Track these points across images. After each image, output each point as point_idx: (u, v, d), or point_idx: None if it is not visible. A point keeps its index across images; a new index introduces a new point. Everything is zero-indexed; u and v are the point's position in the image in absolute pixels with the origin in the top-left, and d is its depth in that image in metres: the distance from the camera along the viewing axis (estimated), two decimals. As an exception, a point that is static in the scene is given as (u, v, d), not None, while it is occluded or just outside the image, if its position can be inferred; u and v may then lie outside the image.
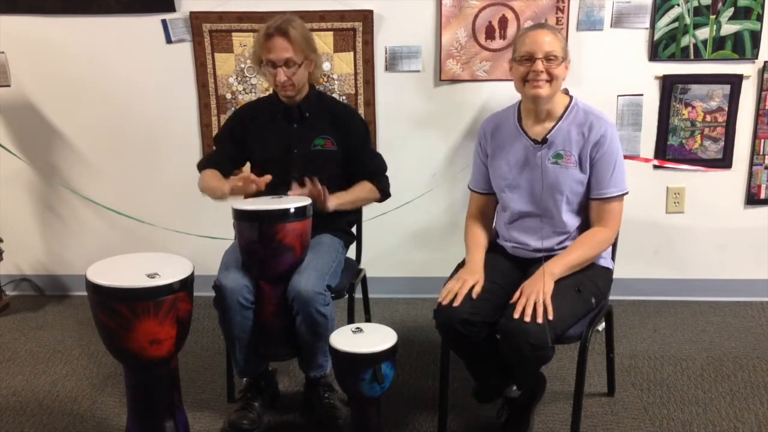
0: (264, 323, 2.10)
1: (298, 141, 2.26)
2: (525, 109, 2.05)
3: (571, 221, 2.03)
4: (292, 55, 2.12)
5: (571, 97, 2.04)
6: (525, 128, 2.04)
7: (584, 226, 2.04)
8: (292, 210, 1.99)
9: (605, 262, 2.09)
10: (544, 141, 1.99)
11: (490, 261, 2.06)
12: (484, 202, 2.18)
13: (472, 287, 1.92)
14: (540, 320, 1.77)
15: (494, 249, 2.14)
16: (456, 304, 1.88)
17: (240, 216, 2.02)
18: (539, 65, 1.90)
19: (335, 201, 2.20)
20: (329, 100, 2.37)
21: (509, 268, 2.07)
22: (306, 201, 2.05)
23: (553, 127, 2.00)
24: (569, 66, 1.98)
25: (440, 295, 1.93)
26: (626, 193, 2.00)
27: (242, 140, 2.30)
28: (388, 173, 3.12)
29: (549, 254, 1.99)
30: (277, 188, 2.20)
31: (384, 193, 2.36)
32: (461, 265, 2.10)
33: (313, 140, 2.25)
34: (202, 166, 2.32)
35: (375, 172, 2.33)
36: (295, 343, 2.12)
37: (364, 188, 2.30)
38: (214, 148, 2.38)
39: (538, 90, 1.92)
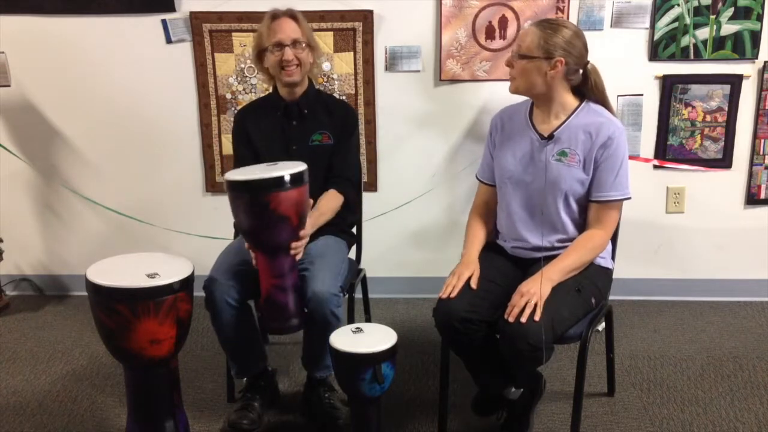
0: (269, 299, 2.02)
1: (297, 137, 2.27)
2: (536, 105, 2.07)
3: (569, 220, 2.03)
4: (300, 35, 2.16)
5: (582, 99, 2.03)
6: (534, 123, 2.05)
7: (582, 226, 2.04)
8: (286, 177, 1.87)
9: (605, 262, 2.09)
10: (551, 137, 1.99)
11: (489, 260, 2.07)
12: (490, 194, 2.19)
13: (470, 281, 1.94)
14: (524, 319, 1.78)
15: (494, 249, 2.14)
16: (453, 295, 1.89)
17: (230, 186, 1.91)
18: (508, 60, 2.01)
19: (311, 224, 2.11)
20: (327, 96, 2.39)
21: (509, 267, 2.07)
22: (302, 167, 1.93)
23: (561, 124, 2.00)
24: (560, 67, 1.93)
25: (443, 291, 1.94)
26: (628, 198, 2.00)
27: (249, 138, 2.30)
28: (387, 173, 3.13)
29: (549, 253, 1.99)
30: None
31: (347, 198, 2.30)
32: (461, 264, 2.11)
33: (311, 136, 2.27)
34: None
35: (345, 174, 2.29)
36: (303, 311, 2.07)
37: (328, 203, 2.24)
38: (234, 160, 2.37)
39: (510, 84, 2.02)
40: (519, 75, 1.97)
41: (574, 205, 2.02)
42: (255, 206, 1.89)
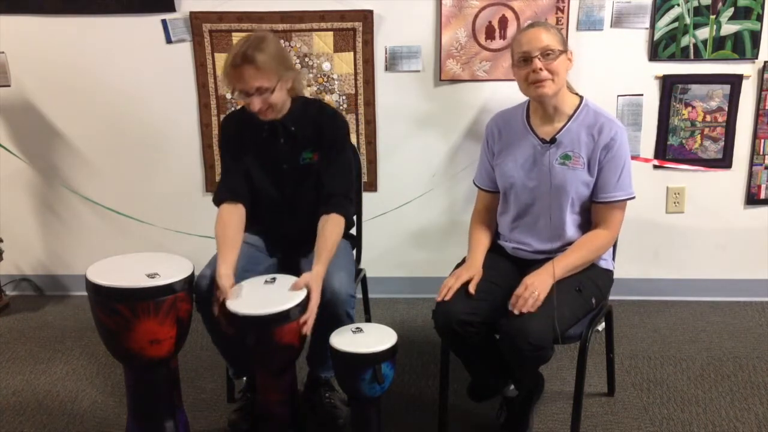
0: (267, 411, 1.99)
1: (287, 157, 2.14)
2: (533, 108, 2.05)
3: (574, 223, 2.02)
4: (263, 82, 1.95)
5: (581, 98, 2.02)
6: (533, 127, 2.03)
7: (586, 228, 2.04)
8: (291, 312, 1.82)
9: (606, 263, 2.09)
10: (553, 141, 1.97)
11: (489, 261, 2.06)
12: (489, 199, 2.17)
13: (468, 284, 1.93)
14: (525, 310, 1.79)
15: (494, 249, 2.14)
16: (447, 298, 1.89)
17: (231, 319, 1.83)
18: (537, 63, 1.88)
19: (323, 266, 1.97)
20: (314, 108, 2.18)
21: (508, 268, 2.07)
22: (302, 295, 1.87)
23: (563, 127, 1.98)
24: (572, 58, 1.97)
25: (438, 293, 1.94)
26: (632, 198, 1.99)
27: (238, 152, 2.17)
28: (387, 173, 3.12)
29: (550, 256, 1.99)
30: (269, 209, 2.17)
31: (348, 221, 2.15)
32: (461, 265, 2.10)
33: (301, 154, 2.15)
34: (217, 200, 2.15)
35: (341, 192, 2.12)
36: (297, 417, 2.03)
37: (334, 230, 2.06)
38: (221, 171, 2.23)
39: (542, 90, 1.91)
40: (558, 72, 1.90)
41: (578, 208, 2.01)
42: (259, 339, 1.83)
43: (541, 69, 1.88)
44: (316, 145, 2.14)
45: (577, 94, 2.04)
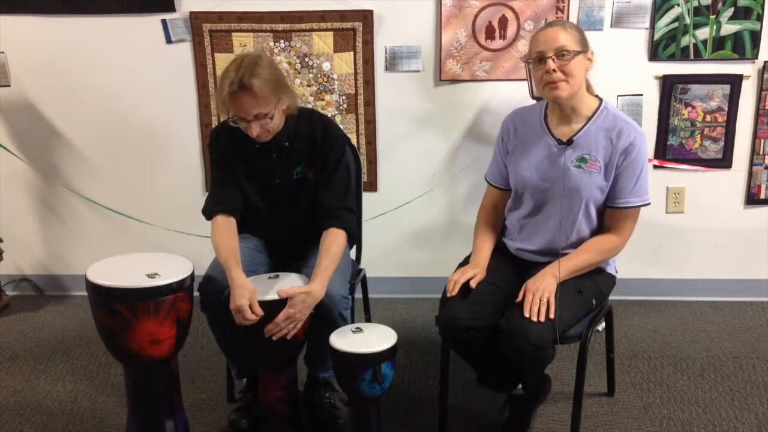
0: (268, 408, 2.01)
1: (279, 171, 2.11)
2: (551, 108, 2.01)
3: (587, 227, 2.00)
4: (261, 109, 1.91)
5: (601, 100, 1.98)
6: (550, 127, 1.99)
7: (596, 232, 2.02)
8: None
9: (609, 269, 2.07)
10: (570, 142, 1.94)
11: (491, 262, 2.05)
12: (499, 196, 2.15)
13: (470, 286, 1.93)
14: (542, 318, 1.78)
15: (498, 248, 2.13)
16: (454, 293, 1.89)
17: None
18: (550, 64, 1.84)
19: (322, 283, 1.93)
20: (308, 121, 2.12)
21: (509, 270, 2.06)
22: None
23: (580, 128, 1.94)
24: (593, 58, 1.92)
25: (447, 289, 1.94)
26: (647, 204, 1.96)
27: (230, 164, 2.12)
28: (387, 173, 3.12)
29: (552, 259, 1.98)
30: (263, 222, 2.16)
31: (351, 235, 2.08)
32: (462, 264, 2.10)
33: (294, 169, 2.11)
34: (209, 212, 2.09)
35: (342, 204, 2.08)
36: (299, 416, 2.06)
37: (332, 245, 2.01)
38: (212, 183, 2.17)
39: (556, 92, 1.87)
40: (573, 74, 1.86)
41: (593, 212, 1.98)
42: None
43: (554, 70, 1.84)
44: (310, 160, 2.11)
45: (597, 95, 2.00)
